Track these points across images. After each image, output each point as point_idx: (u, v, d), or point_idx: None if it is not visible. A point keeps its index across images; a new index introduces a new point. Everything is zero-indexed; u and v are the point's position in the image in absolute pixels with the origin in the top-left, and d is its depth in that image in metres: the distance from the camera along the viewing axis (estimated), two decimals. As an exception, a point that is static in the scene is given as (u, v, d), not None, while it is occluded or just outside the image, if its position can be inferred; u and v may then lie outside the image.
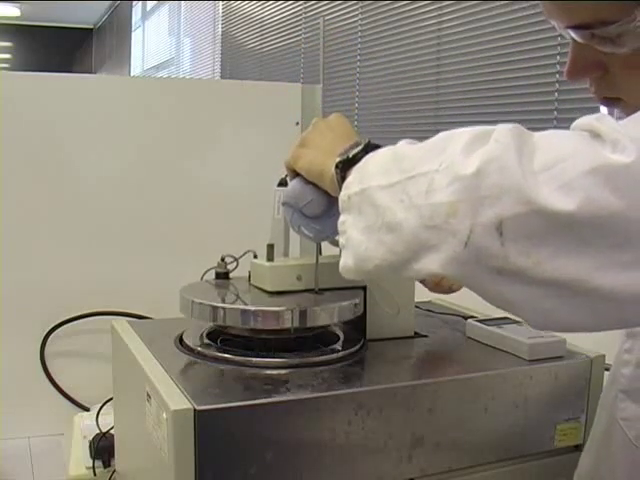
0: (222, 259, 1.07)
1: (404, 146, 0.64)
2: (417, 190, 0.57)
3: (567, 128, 0.55)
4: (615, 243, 0.49)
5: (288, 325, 0.89)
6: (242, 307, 0.91)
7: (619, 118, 0.53)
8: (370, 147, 0.71)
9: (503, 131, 0.54)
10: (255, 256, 1.02)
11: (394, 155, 0.63)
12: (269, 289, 0.96)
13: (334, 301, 0.93)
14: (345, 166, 0.71)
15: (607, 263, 0.50)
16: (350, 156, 0.71)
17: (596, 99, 0.67)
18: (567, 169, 0.50)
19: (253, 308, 0.90)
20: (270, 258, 0.98)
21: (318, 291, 0.96)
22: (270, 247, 0.99)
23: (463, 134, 0.57)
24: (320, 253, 1.02)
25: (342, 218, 0.68)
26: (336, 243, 1.06)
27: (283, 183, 1.09)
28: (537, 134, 0.54)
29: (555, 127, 1.85)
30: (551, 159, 0.51)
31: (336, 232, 0.99)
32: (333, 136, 0.82)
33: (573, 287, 0.51)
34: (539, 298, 0.53)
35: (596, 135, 0.51)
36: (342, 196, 0.68)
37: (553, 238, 0.50)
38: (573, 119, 0.55)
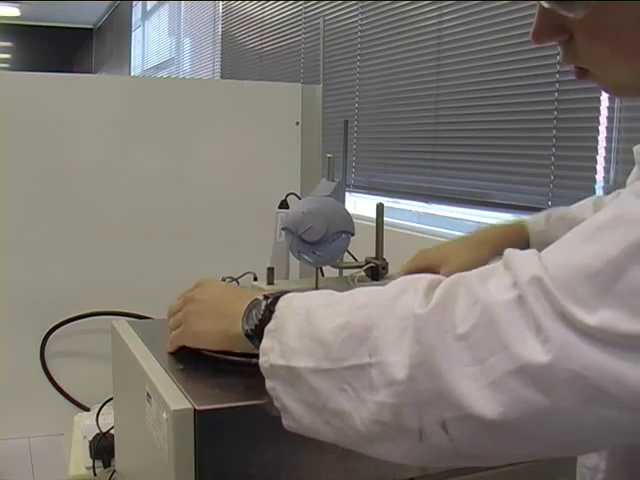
0: (222, 280, 1.07)
1: (317, 312, 0.64)
2: (360, 384, 0.58)
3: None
4: (549, 436, 0.52)
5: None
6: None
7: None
8: (272, 302, 0.70)
9: (422, 322, 0.55)
10: (255, 278, 1.02)
11: (309, 327, 0.63)
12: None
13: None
14: (257, 331, 0.70)
15: (550, 446, 0.54)
16: (257, 322, 0.70)
17: (573, 71, 0.66)
18: (495, 366, 0.51)
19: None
20: (270, 281, 0.98)
21: None
22: (270, 270, 0.99)
23: (381, 315, 0.58)
24: (322, 275, 1.01)
25: (270, 384, 0.67)
26: (336, 266, 1.06)
27: (284, 205, 1.09)
28: (460, 304, 0.54)
29: (555, 127, 1.85)
30: (482, 353, 0.52)
31: (335, 257, 0.99)
32: (218, 301, 0.81)
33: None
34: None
35: (526, 313, 0.51)
36: (263, 362, 0.67)
37: (490, 438, 0.53)
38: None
